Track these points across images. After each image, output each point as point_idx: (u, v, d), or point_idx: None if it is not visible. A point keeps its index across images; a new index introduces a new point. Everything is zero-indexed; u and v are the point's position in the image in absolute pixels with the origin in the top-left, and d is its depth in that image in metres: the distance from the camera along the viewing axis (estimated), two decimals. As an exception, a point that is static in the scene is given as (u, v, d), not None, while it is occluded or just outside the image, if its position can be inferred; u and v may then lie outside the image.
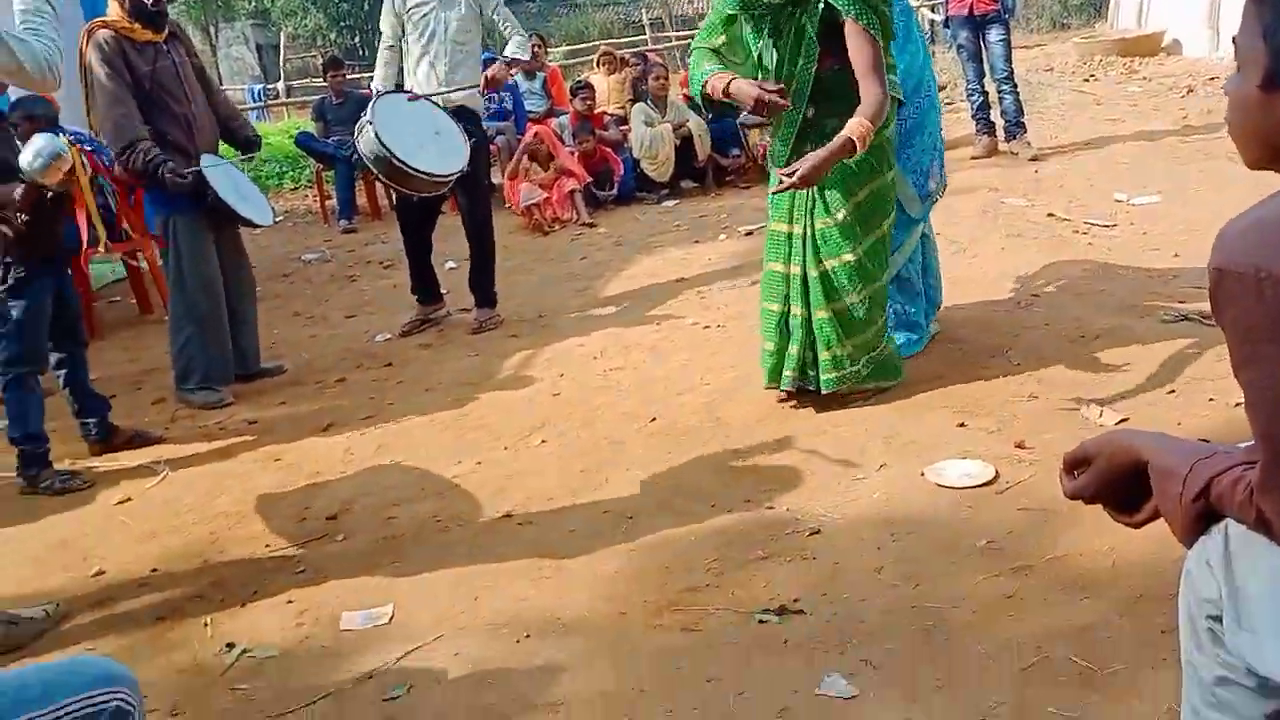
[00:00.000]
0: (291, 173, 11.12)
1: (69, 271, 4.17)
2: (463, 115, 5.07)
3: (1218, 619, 1.28)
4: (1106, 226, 5.67)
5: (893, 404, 3.70)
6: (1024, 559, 2.64)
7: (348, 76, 10.21)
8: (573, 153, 8.34)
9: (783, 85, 3.47)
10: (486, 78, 5.13)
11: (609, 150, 8.53)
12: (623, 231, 7.50)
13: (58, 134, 4.13)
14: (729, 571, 2.77)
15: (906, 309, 4.13)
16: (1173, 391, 3.50)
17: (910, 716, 2.14)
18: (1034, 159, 7.66)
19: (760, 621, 2.52)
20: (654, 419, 3.87)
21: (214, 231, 4.64)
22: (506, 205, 8.08)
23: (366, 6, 25.32)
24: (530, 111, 9.36)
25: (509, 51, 5.27)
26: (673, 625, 2.56)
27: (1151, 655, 2.20)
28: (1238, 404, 3.16)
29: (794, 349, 3.71)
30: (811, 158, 3.25)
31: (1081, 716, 2.07)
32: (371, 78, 5.67)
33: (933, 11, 12.56)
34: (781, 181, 3.32)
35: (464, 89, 5.15)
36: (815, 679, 2.28)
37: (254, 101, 18.59)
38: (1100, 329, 4.12)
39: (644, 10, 25.42)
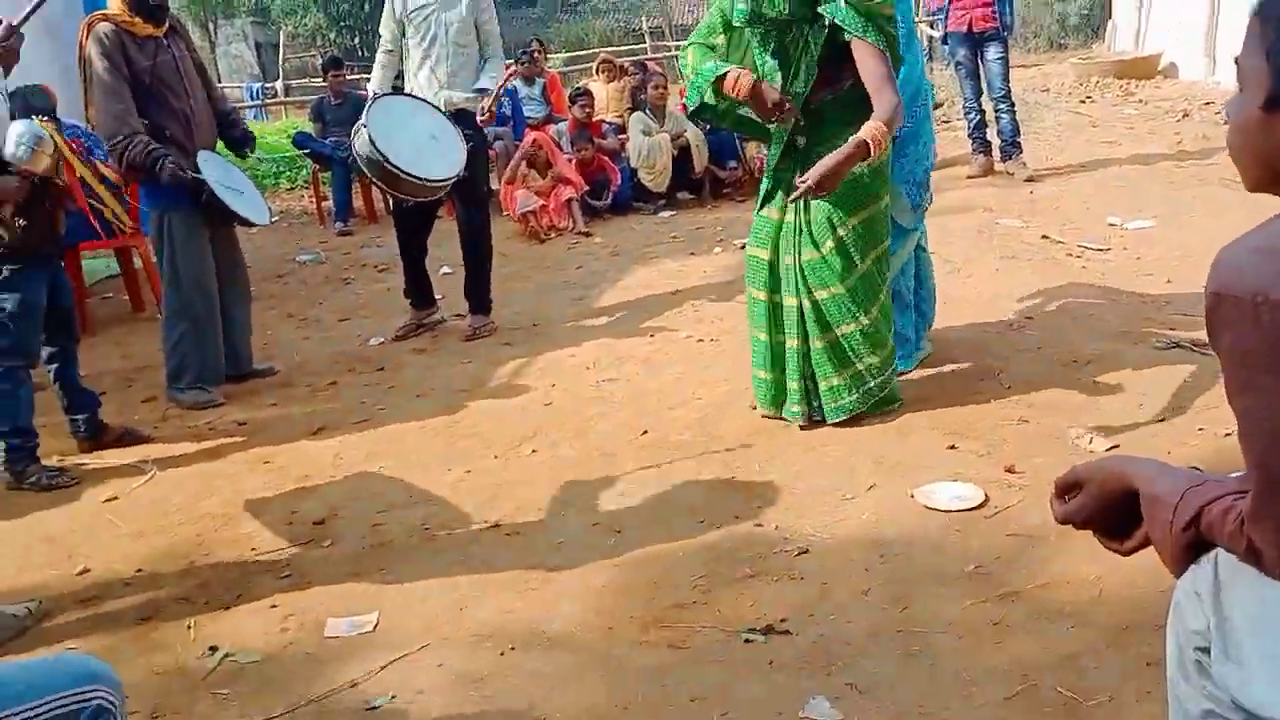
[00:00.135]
0: (288, 173, 11.10)
1: (63, 265, 4.15)
2: (461, 118, 5.06)
3: (1205, 650, 1.27)
4: (1100, 250, 5.69)
5: (883, 424, 3.70)
6: (1011, 585, 2.65)
7: (347, 77, 10.20)
8: (570, 160, 8.34)
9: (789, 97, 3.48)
10: (482, 110, 5.11)
11: (606, 159, 8.54)
12: (619, 241, 7.51)
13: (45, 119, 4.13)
14: (716, 589, 2.76)
15: (897, 322, 4.13)
16: (1163, 419, 3.51)
17: (894, 741, 2.14)
18: (1029, 180, 7.69)
19: (747, 641, 2.52)
20: (646, 432, 3.87)
21: (209, 229, 4.61)
22: (504, 212, 8.09)
23: (367, 7, 25.33)
24: (529, 117, 9.37)
25: (481, 81, 5.20)
26: (659, 642, 2.56)
27: (1136, 687, 2.20)
28: (1228, 434, 3.17)
29: (794, 384, 3.69)
30: (824, 163, 3.21)
31: (1065, 746, 2.08)
32: (369, 78, 5.66)
33: (931, 28, 12.60)
34: (797, 188, 3.27)
35: (464, 91, 5.13)
36: (800, 701, 2.28)
37: (252, 100, 18.54)
38: (1092, 354, 4.13)
39: (644, 19, 25.46)
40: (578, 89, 9.24)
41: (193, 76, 4.62)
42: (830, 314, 3.58)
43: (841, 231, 3.51)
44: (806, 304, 3.59)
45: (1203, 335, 3.71)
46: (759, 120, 3.66)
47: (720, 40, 3.66)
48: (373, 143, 4.56)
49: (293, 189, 10.91)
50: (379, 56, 5.37)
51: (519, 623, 2.70)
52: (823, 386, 3.66)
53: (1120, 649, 2.34)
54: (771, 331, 3.72)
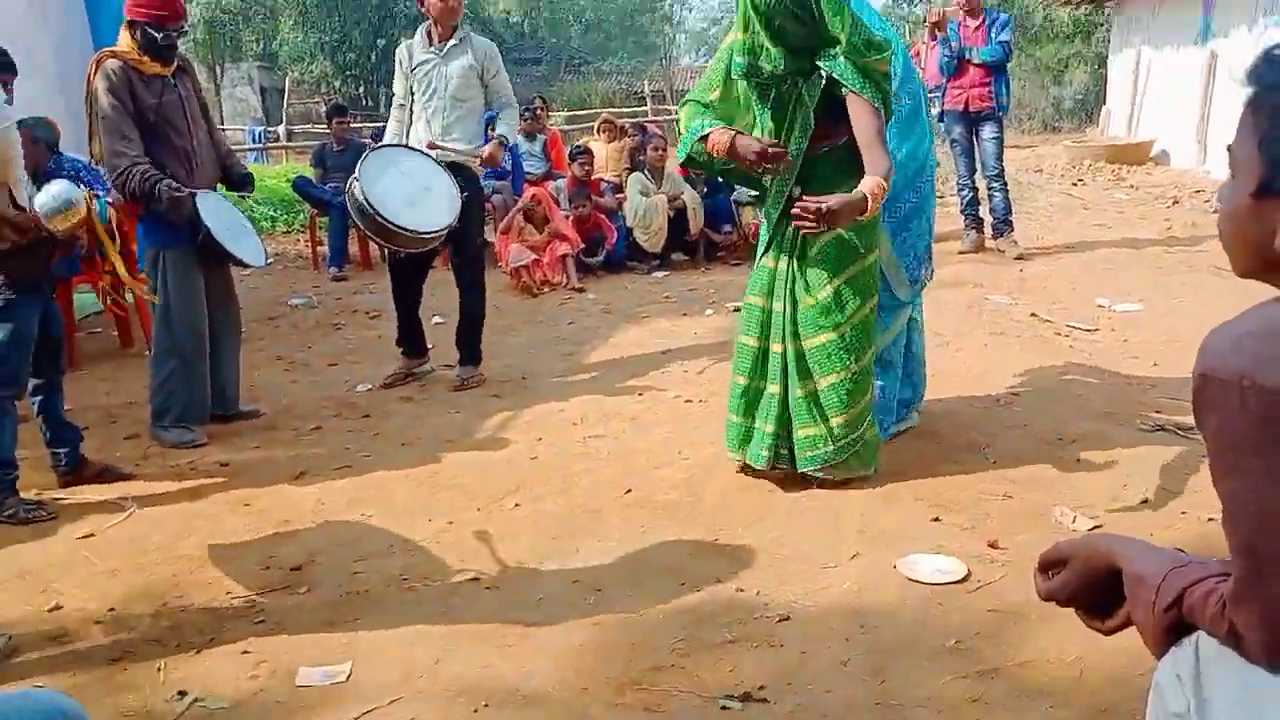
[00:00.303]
0: (285, 216, 11.17)
1: (54, 295, 4.15)
2: (457, 170, 5.10)
3: (1185, 733, 1.27)
4: (1088, 331, 5.74)
5: (868, 492, 3.70)
6: (991, 662, 2.63)
7: (350, 125, 10.30)
8: (568, 217, 8.41)
9: (782, 145, 3.52)
10: (483, 155, 5.15)
11: (603, 217, 8.62)
12: (611, 299, 7.54)
13: (71, 179, 4.18)
14: (695, 653, 2.74)
15: (885, 390, 4.15)
16: (1146, 501, 3.52)
17: (869, 816, 2.11)
18: (1020, 258, 7.78)
19: (723, 708, 2.49)
20: (630, 490, 3.86)
21: (205, 269, 4.62)
22: (498, 264, 8.13)
23: (373, 57, 25.68)
24: (528, 173, 9.46)
25: (498, 130, 5.28)
26: (635, 705, 2.53)
27: (1115, 769, 2.18)
28: (1210, 518, 3.18)
29: (769, 427, 3.72)
30: (836, 196, 3.23)
31: (1041, 828, 2.05)
32: (372, 127, 5.72)
33: (929, 105, 12.81)
34: (804, 203, 3.24)
35: (459, 146, 5.16)
36: (775, 770, 2.25)
37: (253, 143, 18.70)
38: (1078, 433, 4.15)
39: (646, 82, 25.86)
40: (578, 147, 9.35)
41: (197, 116, 4.66)
42: (819, 362, 3.61)
43: (837, 281, 3.57)
44: (792, 351, 3.63)
45: (1188, 419, 3.74)
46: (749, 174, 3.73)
47: (716, 95, 3.71)
48: (364, 195, 4.60)
49: (289, 232, 10.97)
50: (393, 111, 5.45)
51: (495, 679, 2.67)
52: (799, 435, 3.67)
53: (1099, 731, 2.32)
54: (753, 377, 3.75)
